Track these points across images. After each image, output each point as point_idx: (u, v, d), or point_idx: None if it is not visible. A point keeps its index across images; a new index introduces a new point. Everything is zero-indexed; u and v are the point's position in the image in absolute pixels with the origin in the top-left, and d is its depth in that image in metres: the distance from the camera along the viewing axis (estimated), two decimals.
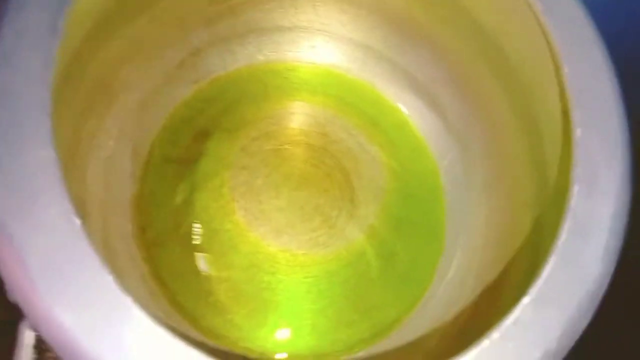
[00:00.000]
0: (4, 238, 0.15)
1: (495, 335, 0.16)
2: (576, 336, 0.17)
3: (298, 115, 0.36)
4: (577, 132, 0.18)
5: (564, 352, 0.16)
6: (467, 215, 0.34)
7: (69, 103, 0.26)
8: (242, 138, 0.35)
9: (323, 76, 0.37)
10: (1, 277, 0.16)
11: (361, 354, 0.31)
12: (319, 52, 0.37)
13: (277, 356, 0.31)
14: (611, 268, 0.18)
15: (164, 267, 0.32)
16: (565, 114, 0.19)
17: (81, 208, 0.25)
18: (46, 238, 0.15)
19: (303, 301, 0.33)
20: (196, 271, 0.32)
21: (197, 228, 0.33)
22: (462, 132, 0.33)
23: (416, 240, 0.34)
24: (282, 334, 0.32)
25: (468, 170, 0.33)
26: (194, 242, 0.33)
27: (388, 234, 0.35)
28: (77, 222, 0.16)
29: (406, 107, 0.36)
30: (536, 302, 0.16)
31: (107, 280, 0.15)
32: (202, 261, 0.32)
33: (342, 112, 0.37)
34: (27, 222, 0.15)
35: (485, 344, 0.16)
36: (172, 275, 0.32)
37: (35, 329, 0.15)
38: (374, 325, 0.33)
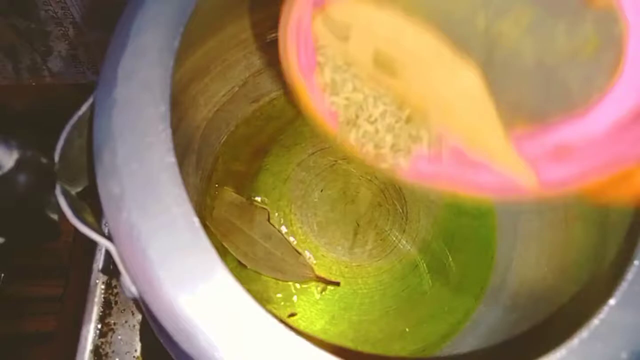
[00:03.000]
0: (132, 235, 0.17)
1: (584, 334, 0.17)
2: None
3: None
4: None
5: None
6: (519, 231, 0.34)
7: None
8: (299, 154, 0.37)
9: None
10: (122, 271, 0.18)
11: None
12: None
13: None
14: None
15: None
16: None
17: None
18: (170, 236, 0.17)
19: (357, 312, 0.34)
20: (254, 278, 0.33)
21: None
22: None
23: (468, 254, 0.35)
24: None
25: None
26: None
27: (440, 248, 0.35)
28: (196, 220, 0.17)
29: None
30: (621, 303, 0.17)
31: (221, 270, 0.16)
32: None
33: None
34: (153, 222, 0.17)
35: (575, 343, 0.17)
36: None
37: (156, 319, 0.17)
38: (425, 338, 0.34)
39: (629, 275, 0.18)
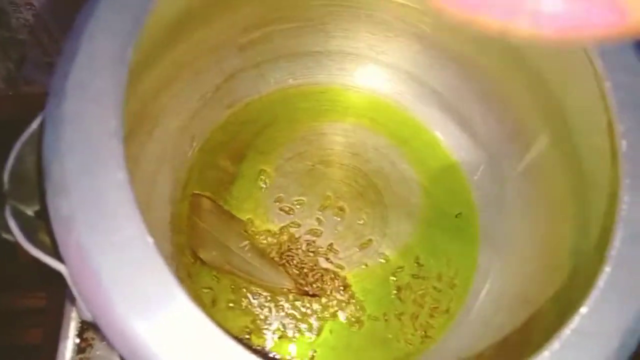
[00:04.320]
0: (83, 257, 0.16)
1: (555, 345, 0.16)
2: (635, 345, 0.17)
3: (329, 136, 0.37)
4: (623, 144, 0.19)
5: None
6: (501, 231, 0.34)
7: None
8: (276, 159, 0.36)
9: (352, 98, 0.38)
10: (75, 294, 0.17)
11: None
12: (348, 75, 0.38)
13: None
14: None
15: (203, 290, 0.32)
16: (609, 126, 0.20)
17: None
18: (122, 256, 0.16)
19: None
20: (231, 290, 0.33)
21: None
22: (492, 147, 0.34)
23: (450, 256, 0.35)
24: (315, 353, 0.32)
25: (501, 186, 0.34)
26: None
27: (421, 251, 0.35)
28: (150, 240, 0.16)
29: (436, 126, 0.37)
30: (593, 311, 0.17)
31: (179, 294, 0.16)
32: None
33: (372, 132, 0.37)
34: (105, 241, 0.16)
35: (545, 355, 0.16)
36: (210, 297, 0.32)
37: (110, 343, 0.16)
38: (409, 343, 0.33)
39: (601, 283, 0.17)
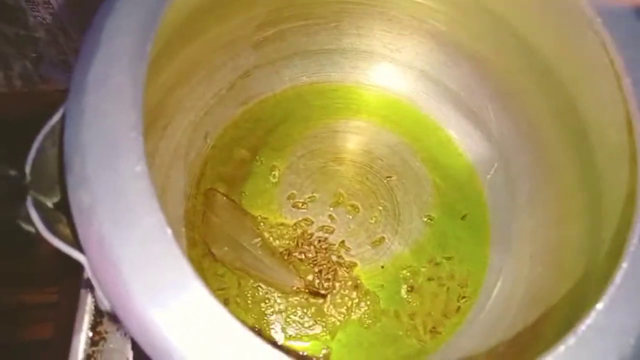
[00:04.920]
0: (103, 248, 0.16)
1: (571, 340, 0.16)
2: None
3: (342, 134, 0.37)
4: None
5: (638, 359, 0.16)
6: (512, 230, 0.34)
7: None
8: (289, 156, 0.36)
9: (365, 95, 0.38)
10: (94, 284, 0.17)
11: None
12: (362, 73, 0.38)
13: None
14: None
15: (215, 285, 0.33)
16: (628, 123, 0.20)
17: None
18: (142, 247, 0.16)
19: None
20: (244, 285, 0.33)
21: None
22: (506, 146, 0.34)
23: (461, 255, 0.35)
24: (325, 351, 0.32)
25: (512, 185, 0.34)
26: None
27: (433, 249, 0.35)
28: (169, 231, 0.17)
29: (449, 124, 0.37)
30: (610, 307, 0.17)
31: (197, 285, 0.16)
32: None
33: (385, 130, 0.38)
34: (125, 233, 0.16)
35: (560, 349, 0.16)
36: (222, 292, 0.33)
37: (128, 332, 0.16)
38: (420, 341, 0.33)
39: (617, 279, 0.17)
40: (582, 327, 0.16)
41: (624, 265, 0.17)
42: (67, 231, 0.19)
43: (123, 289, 0.16)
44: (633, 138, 0.19)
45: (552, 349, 0.16)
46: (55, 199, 0.20)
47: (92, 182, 0.17)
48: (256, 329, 0.32)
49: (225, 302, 0.32)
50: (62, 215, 0.19)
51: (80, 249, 0.17)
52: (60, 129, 0.18)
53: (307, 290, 0.33)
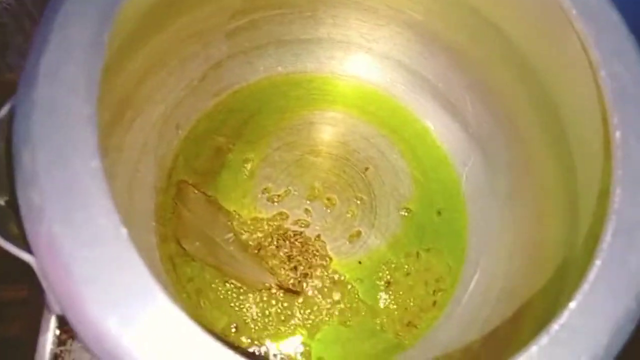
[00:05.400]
0: (54, 249, 0.15)
1: (544, 340, 0.16)
2: (624, 341, 0.16)
3: (318, 125, 0.37)
4: (617, 135, 0.18)
5: (611, 358, 0.16)
6: (490, 223, 0.33)
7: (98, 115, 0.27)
8: (264, 148, 0.36)
9: (342, 86, 0.38)
10: (44, 288, 0.16)
11: None
12: (337, 63, 0.37)
13: None
14: None
15: (188, 281, 0.32)
16: (604, 117, 0.19)
17: None
18: (95, 249, 0.15)
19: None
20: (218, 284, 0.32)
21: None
22: (484, 139, 0.33)
23: (439, 248, 0.34)
24: (302, 347, 0.32)
25: (491, 178, 0.34)
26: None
27: (410, 242, 0.34)
28: (124, 232, 0.16)
29: (426, 115, 0.36)
30: (583, 307, 0.16)
31: (156, 289, 0.15)
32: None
33: (362, 121, 0.37)
34: (76, 233, 0.15)
35: (533, 350, 0.16)
36: (195, 289, 0.32)
37: (80, 340, 0.15)
38: (398, 335, 0.33)
39: (591, 276, 0.17)
40: (555, 326, 0.16)
41: (597, 262, 0.17)
42: (17, 231, 0.18)
43: (74, 293, 0.15)
44: (607, 132, 0.19)
45: (525, 349, 0.16)
46: (7, 197, 0.19)
47: (42, 179, 0.16)
48: (234, 326, 0.31)
49: (199, 297, 0.32)
50: (13, 213, 0.18)
51: (29, 250, 0.16)
52: (8, 123, 0.17)
53: (279, 288, 0.32)
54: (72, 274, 0.15)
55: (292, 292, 0.32)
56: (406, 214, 0.35)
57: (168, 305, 0.15)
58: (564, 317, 0.16)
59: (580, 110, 0.22)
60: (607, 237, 0.17)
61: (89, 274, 0.15)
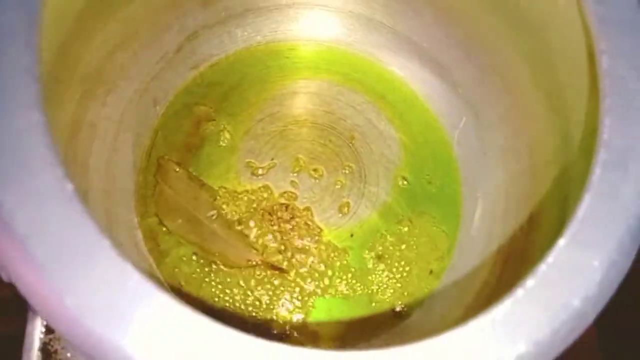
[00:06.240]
0: None
1: (530, 283, 0.14)
2: (620, 278, 0.15)
3: (302, 95, 0.35)
4: (604, 61, 0.17)
5: (607, 297, 0.15)
6: (484, 183, 0.32)
7: (64, 88, 0.25)
8: (246, 121, 0.34)
9: (325, 53, 0.36)
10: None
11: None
12: (320, 29, 0.36)
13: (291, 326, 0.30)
14: None
15: (170, 260, 0.31)
16: (589, 45, 0.18)
17: (84, 199, 0.24)
18: (38, 206, 0.14)
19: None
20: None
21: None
22: (473, 97, 0.32)
23: (432, 214, 0.33)
24: (296, 323, 0.31)
25: (482, 137, 0.32)
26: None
27: (402, 210, 0.33)
28: (70, 187, 0.14)
29: (413, 78, 0.35)
30: (572, 243, 0.15)
31: (105, 245, 0.14)
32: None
33: (347, 89, 0.35)
34: (17, 190, 0.14)
35: (519, 293, 0.14)
36: (176, 268, 0.31)
37: (33, 307, 0.14)
38: (393, 306, 0.32)
39: (580, 213, 0.15)
40: (543, 266, 0.15)
41: (586, 197, 0.15)
42: None
43: (19, 255, 0.14)
44: (594, 63, 0.17)
45: (510, 292, 0.14)
46: None
47: None
48: (227, 302, 0.30)
49: (185, 276, 0.31)
50: None
51: None
52: None
53: (264, 266, 0.31)
54: (14, 234, 0.14)
55: (278, 269, 0.31)
56: (397, 181, 0.34)
57: (120, 262, 0.14)
58: (552, 256, 0.15)
59: (568, 44, 0.21)
60: (597, 170, 0.16)
61: (33, 233, 0.14)
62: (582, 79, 0.19)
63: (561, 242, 0.15)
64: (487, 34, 0.29)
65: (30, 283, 0.14)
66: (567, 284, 0.14)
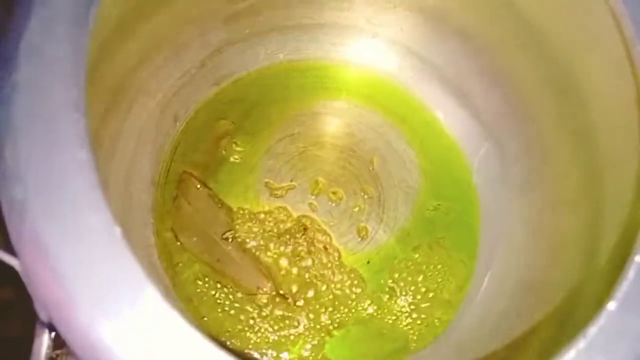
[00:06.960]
0: (39, 249, 0.14)
1: (581, 344, 0.14)
2: None
3: (323, 116, 0.35)
4: None
5: None
6: (503, 215, 0.32)
7: (89, 104, 0.25)
8: (266, 140, 0.34)
9: (347, 74, 0.36)
10: (30, 292, 0.15)
11: None
12: (343, 50, 0.36)
13: None
14: None
15: (186, 282, 0.30)
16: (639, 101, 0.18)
17: None
18: (85, 249, 0.14)
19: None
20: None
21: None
22: (495, 126, 0.32)
23: (450, 240, 0.33)
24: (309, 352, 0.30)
25: (503, 167, 0.32)
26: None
27: (419, 236, 0.33)
28: (118, 231, 0.14)
29: (435, 103, 0.35)
30: (623, 306, 0.15)
31: (153, 295, 0.13)
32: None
33: (368, 111, 0.35)
34: (64, 232, 0.14)
35: (571, 354, 0.14)
36: (194, 291, 0.30)
37: (71, 349, 0.14)
38: (408, 335, 0.31)
39: (631, 274, 0.15)
40: (594, 329, 0.15)
41: (637, 258, 0.15)
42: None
43: (62, 299, 0.13)
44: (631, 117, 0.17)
45: (563, 352, 0.14)
46: None
47: (26, 171, 0.14)
48: (239, 329, 0.29)
49: (200, 297, 0.30)
50: None
51: (13, 252, 0.15)
52: None
53: (274, 295, 0.30)
54: (58, 276, 0.13)
55: (287, 299, 0.30)
56: (415, 206, 0.33)
57: (164, 308, 0.14)
58: (602, 319, 0.15)
59: (608, 89, 0.21)
60: None
61: (78, 276, 0.14)
62: (625, 127, 0.19)
63: (611, 305, 0.15)
64: (512, 66, 0.29)
65: (73, 329, 0.13)
66: (617, 348, 0.14)
